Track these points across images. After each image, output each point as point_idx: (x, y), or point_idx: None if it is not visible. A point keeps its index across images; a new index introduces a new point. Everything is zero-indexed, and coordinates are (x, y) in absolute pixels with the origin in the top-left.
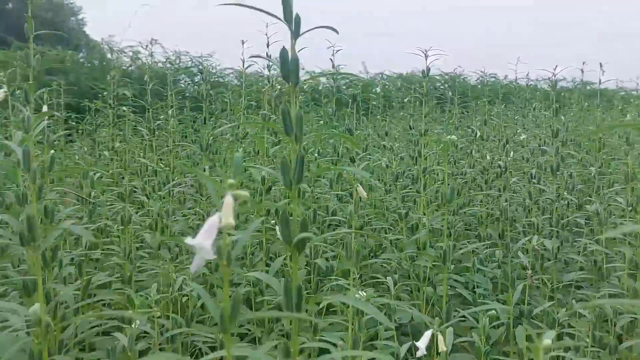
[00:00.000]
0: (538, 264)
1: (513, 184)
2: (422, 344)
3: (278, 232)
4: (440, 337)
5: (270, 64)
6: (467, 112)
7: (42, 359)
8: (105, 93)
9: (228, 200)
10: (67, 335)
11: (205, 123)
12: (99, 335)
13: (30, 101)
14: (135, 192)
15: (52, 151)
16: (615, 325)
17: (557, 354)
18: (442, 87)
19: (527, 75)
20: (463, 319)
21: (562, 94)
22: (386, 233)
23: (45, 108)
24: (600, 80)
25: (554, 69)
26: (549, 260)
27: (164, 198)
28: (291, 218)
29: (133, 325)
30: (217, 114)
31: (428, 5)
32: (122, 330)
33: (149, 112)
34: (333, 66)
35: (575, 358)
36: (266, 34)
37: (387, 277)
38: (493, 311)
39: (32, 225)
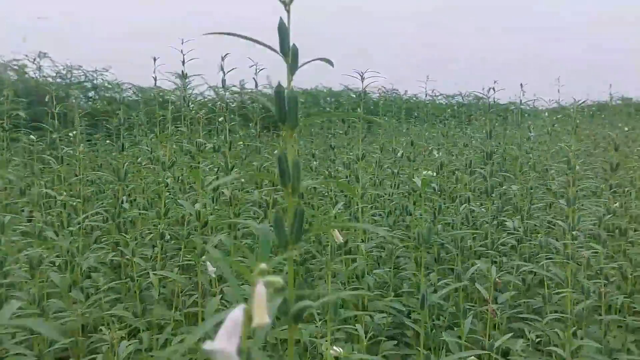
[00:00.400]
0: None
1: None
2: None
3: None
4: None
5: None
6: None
7: None
8: None
9: (260, 290)
10: None
11: (123, 150)
12: None
13: None
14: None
15: None
16: None
17: None
18: (345, 102)
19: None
20: None
21: (458, 108)
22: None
23: None
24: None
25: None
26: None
27: (74, 233)
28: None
29: None
30: (123, 134)
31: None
32: None
33: (51, 134)
34: (256, 85)
35: None
36: (181, 51)
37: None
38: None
39: None
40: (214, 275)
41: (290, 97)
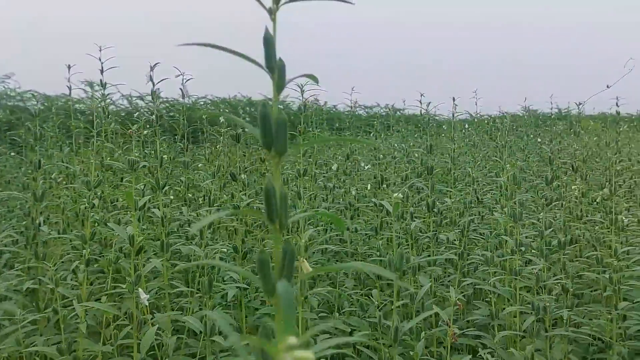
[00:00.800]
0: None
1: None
2: None
3: None
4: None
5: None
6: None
7: None
8: None
9: None
10: None
11: (40, 167)
12: None
13: None
14: None
15: None
16: None
17: None
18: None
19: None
20: None
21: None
22: None
23: None
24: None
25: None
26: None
27: None
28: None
29: None
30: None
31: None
32: None
33: None
34: (183, 96)
35: None
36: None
37: None
38: None
39: None
40: (146, 303)
41: (279, 120)
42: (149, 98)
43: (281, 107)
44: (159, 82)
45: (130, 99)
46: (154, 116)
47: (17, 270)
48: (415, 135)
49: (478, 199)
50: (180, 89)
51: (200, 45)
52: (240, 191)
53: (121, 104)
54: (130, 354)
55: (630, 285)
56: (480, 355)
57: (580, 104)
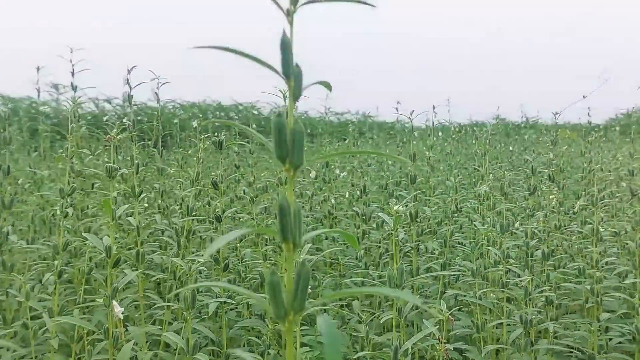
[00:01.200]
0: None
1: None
2: None
3: None
4: None
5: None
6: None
7: None
8: None
9: None
10: None
11: (9, 173)
12: None
13: None
14: None
15: None
16: None
17: None
18: (236, 117)
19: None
20: None
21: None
22: None
23: None
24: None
25: None
26: None
27: None
28: None
29: None
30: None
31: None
32: None
33: None
34: (158, 101)
35: None
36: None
37: None
38: None
39: None
40: (121, 317)
41: (295, 131)
42: (117, 101)
43: (256, 112)
44: (135, 86)
45: (97, 102)
46: (127, 120)
47: None
48: (388, 142)
49: (457, 207)
50: (156, 93)
51: (214, 48)
52: (218, 200)
53: (88, 107)
54: None
55: (611, 297)
56: None
57: (557, 113)
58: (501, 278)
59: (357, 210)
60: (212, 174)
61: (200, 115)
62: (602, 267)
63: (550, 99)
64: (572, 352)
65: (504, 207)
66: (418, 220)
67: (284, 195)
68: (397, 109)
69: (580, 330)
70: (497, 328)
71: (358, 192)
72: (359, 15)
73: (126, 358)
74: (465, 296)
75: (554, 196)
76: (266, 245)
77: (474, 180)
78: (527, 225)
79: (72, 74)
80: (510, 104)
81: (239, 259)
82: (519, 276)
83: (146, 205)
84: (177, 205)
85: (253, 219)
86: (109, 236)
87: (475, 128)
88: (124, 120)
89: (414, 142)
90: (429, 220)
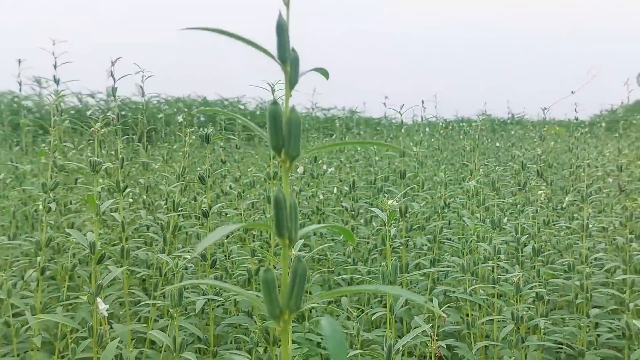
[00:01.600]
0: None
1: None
2: None
3: None
4: None
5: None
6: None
7: None
8: None
9: None
10: None
11: None
12: None
13: None
14: None
15: None
16: None
17: None
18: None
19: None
20: None
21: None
22: None
23: None
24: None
25: None
26: None
27: None
28: None
29: None
30: None
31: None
32: None
33: None
34: (143, 94)
35: None
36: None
37: None
38: None
39: None
40: (106, 314)
41: (291, 120)
42: (100, 96)
43: (242, 107)
44: (120, 79)
45: (80, 97)
46: (111, 113)
47: None
48: (375, 138)
49: (445, 203)
50: (141, 86)
51: (205, 29)
52: (204, 195)
53: (71, 102)
54: None
55: (599, 292)
56: None
57: (545, 109)
58: (492, 274)
59: (346, 205)
60: (198, 169)
61: (186, 110)
62: (591, 263)
63: (539, 97)
64: (561, 348)
65: (493, 203)
66: (407, 215)
67: (279, 188)
68: (384, 104)
69: (570, 326)
70: (486, 324)
71: (346, 188)
72: (359, 15)
73: (111, 356)
74: (454, 292)
75: (542, 192)
76: (254, 241)
77: (462, 176)
78: (516, 221)
79: (55, 66)
80: (496, 100)
81: (226, 255)
82: (507, 272)
83: (131, 200)
84: (163, 200)
85: (240, 214)
86: (92, 232)
87: (462, 124)
88: (108, 113)
89: (401, 139)
90: (417, 216)
